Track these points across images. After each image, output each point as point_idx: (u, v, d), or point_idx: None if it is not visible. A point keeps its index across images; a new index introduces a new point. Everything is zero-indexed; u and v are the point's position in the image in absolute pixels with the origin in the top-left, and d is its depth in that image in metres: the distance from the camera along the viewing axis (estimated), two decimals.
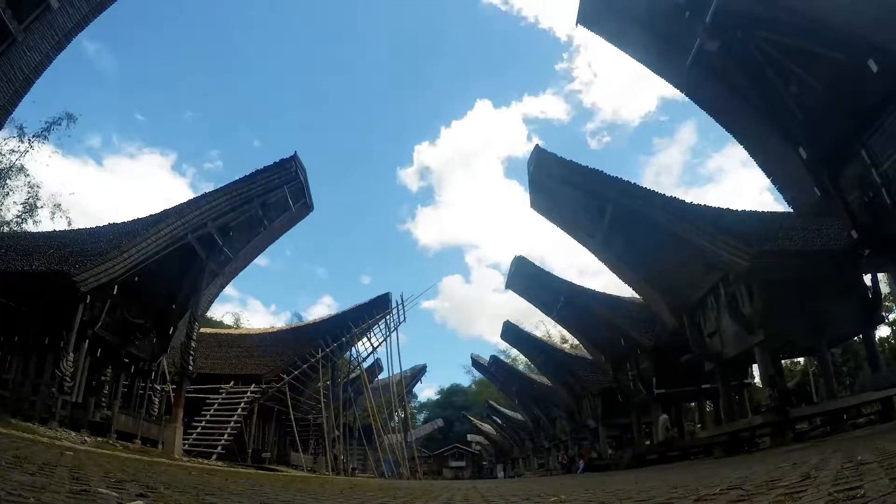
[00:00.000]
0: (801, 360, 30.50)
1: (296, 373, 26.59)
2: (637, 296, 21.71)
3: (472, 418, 68.11)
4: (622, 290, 26.19)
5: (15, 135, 30.03)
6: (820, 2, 10.69)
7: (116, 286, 15.59)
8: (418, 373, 50.83)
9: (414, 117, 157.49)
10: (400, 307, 33.98)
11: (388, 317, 33.26)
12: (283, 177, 18.87)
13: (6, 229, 29.74)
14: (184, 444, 18.19)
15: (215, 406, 22.81)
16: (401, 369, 37.05)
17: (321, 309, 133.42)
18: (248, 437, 23.84)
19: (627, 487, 5.69)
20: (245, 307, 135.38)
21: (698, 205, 17.04)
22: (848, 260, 13.46)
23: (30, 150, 30.87)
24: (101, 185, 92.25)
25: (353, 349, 33.00)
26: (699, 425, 29.19)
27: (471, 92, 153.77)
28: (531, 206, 19.61)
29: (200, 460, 16.69)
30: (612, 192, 16.77)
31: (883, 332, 34.00)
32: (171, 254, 16.85)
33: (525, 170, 18.94)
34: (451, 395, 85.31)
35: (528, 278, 25.68)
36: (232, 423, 22.00)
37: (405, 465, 33.61)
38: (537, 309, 27.51)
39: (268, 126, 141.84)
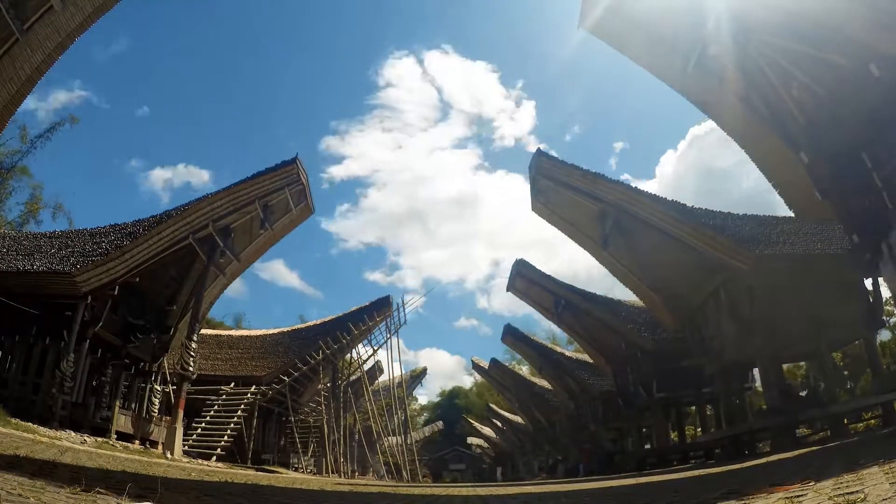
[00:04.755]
0: (803, 363, 30.44)
1: (296, 375, 26.54)
2: (638, 299, 21.70)
3: (473, 421, 68.01)
4: (624, 293, 26.14)
5: (17, 135, 30.13)
6: (820, 6, 10.70)
7: (117, 286, 15.60)
8: (419, 375, 50.85)
9: None
10: (400, 309, 33.96)
11: (388, 319, 33.21)
12: (284, 179, 18.86)
13: (8, 229, 29.77)
14: (184, 445, 18.15)
15: (215, 407, 22.80)
16: (401, 371, 37.05)
17: None
18: (248, 438, 23.80)
19: (627, 490, 5.68)
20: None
21: (700, 209, 17.04)
22: (849, 264, 13.45)
23: (32, 150, 30.96)
24: None
25: (354, 351, 32.98)
26: (699, 429, 29.11)
27: None
28: (532, 209, 19.60)
29: (200, 461, 16.67)
30: (613, 195, 16.76)
31: (885, 335, 33.85)
32: (173, 255, 16.89)
33: None
34: (451, 398, 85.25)
35: (528, 282, 25.65)
36: (232, 425, 22.00)
37: (405, 467, 33.55)
38: (539, 312, 27.48)
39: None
